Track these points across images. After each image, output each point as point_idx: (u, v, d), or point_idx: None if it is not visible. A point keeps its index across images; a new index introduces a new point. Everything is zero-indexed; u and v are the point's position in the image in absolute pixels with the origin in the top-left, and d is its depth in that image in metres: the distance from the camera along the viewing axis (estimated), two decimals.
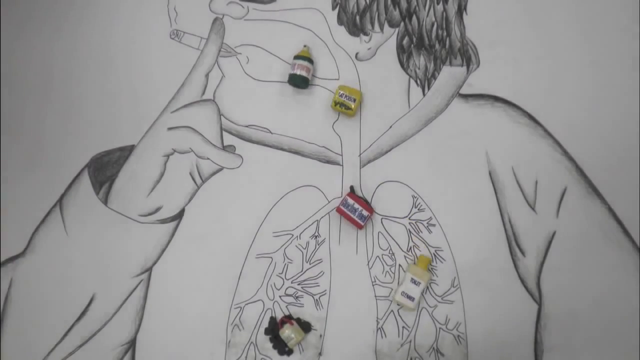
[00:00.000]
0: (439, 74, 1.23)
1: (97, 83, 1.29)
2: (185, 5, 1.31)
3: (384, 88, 1.23)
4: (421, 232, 1.15)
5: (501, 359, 1.09)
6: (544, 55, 1.22)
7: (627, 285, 1.09)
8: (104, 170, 1.22)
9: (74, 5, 1.34)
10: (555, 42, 1.22)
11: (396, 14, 1.25)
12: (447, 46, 1.23)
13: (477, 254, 1.13)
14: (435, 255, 1.13)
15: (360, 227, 1.11)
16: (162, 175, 1.21)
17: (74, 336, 1.13)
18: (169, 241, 1.18)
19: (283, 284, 1.14)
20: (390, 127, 1.21)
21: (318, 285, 1.14)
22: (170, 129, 1.23)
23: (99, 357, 1.12)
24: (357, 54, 1.25)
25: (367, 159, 1.19)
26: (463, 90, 1.22)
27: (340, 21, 1.27)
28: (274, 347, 1.10)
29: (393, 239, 1.15)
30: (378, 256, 1.14)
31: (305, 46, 1.23)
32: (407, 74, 1.23)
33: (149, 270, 1.16)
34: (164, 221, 1.18)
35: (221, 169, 1.21)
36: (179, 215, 1.19)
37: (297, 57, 1.20)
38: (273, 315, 1.13)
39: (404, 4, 1.25)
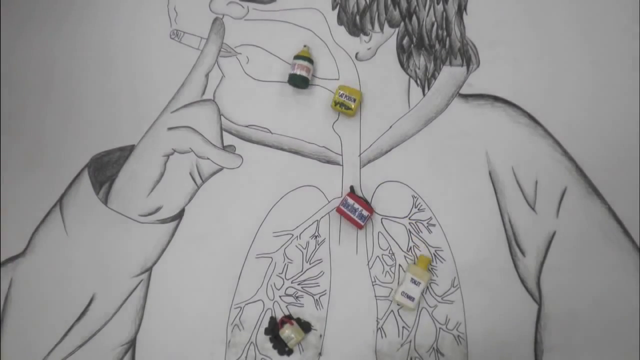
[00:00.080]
0: (439, 74, 1.23)
1: (97, 83, 1.29)
2: (185, 5, 1.31)
3: (384, 88, 1.23)
4: (421, 232, 1.15)
5: (501, 359, 1.09)
6: (544, 55, 1.22)
7: (627, 285, 1.09)
8: (104, 170, 1.22)
9: (74, 5, 1.34)
10: (555, 42, 1.22)
11: (396, 14, 1.25)
12: (447, 46, 1.23)
13: (477, 254, 1.13)
14: (435, 255, 1.13)
15: (360, 227, 1.11)
16: (162, 175, 1.21)
17: (74, 336, 1.13)
18: (169, 241, 1.18)
19: (283, 284, 1.14)
20: (390, 127, 1.21)
21: (318, 285, 1.14)
22: (170, 129, 1.23)
23: (99, 357, 1.12)
24: (357, 54, 1.25)
25: (367, 159, 1.19)
26: (463, 90, 1.22)
27: (340, 21, 1.27)
28: (274, 347, 1.10)
29: (393, 239, 1.15)
30: (378, 256, 1.14)
31: (305, 46, 1.23)
32: (407, 74, 1.23)
33: (149, 270, 1.16)
34: (164, 221, 1.18)
35: (221, 169, 1.21)
36: (179, 215, 1.19)
37: (297, 57, 1.20)
38: (273, 315, 1.13)
39: (404, 4, 1.25)
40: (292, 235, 1.16)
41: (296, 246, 1.15)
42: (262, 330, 1.12)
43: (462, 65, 1.23)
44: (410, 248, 1.14)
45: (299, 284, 1.14)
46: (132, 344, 1.13)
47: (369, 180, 1.18)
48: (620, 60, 1.20)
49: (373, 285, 1.13)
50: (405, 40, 1.24)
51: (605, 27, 1.22)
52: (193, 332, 1.13)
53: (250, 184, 1.20)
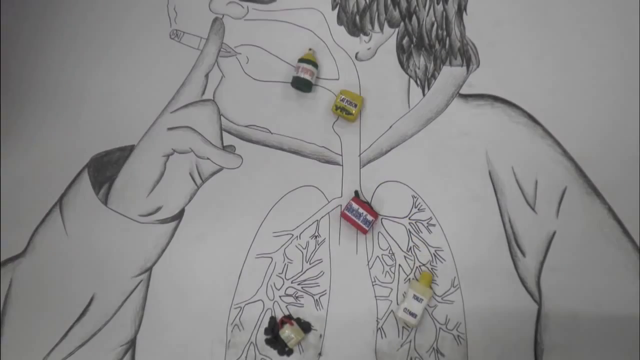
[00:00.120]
0: (438, 74, 1.23)
1: (97, 83, 1.29)
2: (185, 5, 1.31)
3: (384, 88, 1.23)
4: (421, 232, 1.15)
5: (501, 359, 1.09)
6: (544, 55, 1.22)
7: (627, 285, 1.09)
8: (104, 170, 1.22)
9: (74, 5, 1.34)
10: (555, 42, 1.22)
11: (396, 14, 1.25)
12: (447, 46, 1.23)
13: (477, 254, 1.13)
14: (435, 255, 1.13)
15: (365, 232, 1.11)
16: (162, 175, 1.21)
17: (74, 336, 1.13)
18: (169, 241, 1.18)
19: (283, 284, 1.14)
20: (390, 127, 1.21)
21: (318, 285, 1.14)
22: (170, 129, 1.23)
23: (99, 357, 1.12)
24: (357, 54, 1.25)
25: (367, 159, 1.19)
26: (463, 90, 1.22)
27: (340, 21, 1.27)
28: (274, 347, 1.10)
29: (393, 239, 1.15)
30: (378, 256, 1.14)
31: (310, 49, 1.23)
32: (407, 74, 1.23)
33: (148, 270, 1.16)
34: (164, 221, 1.18)
35: (221, 169, 1.21)
36: (179, 215, 1.19)
37: (301, 60, 1.20)
38: (273, 315, 1.13)
39: (403, 4, 1.25)
40: (292, 235, 1.16)
41: (296, 246, 1.15)
42: (262, 330, 1.12)
43: (462, 65, 1.23)
44: (410, 248, 1.14)
45: (299, 284, 1.14)
46: (132, 344, 1.13)
47: (369, 180, 1.18)
48: (620, 60, 1.20)
49: (373, 285, 1.13)
50: (405, 40, 1.24)
51: (605, 27, 1.22)
52: (193, 332, 1.13)
53: (250, 184, 1.20)
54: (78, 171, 1.23)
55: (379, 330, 1.11)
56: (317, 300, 1.13)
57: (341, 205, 1.17)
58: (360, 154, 1.19)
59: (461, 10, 1.25)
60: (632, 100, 1.18)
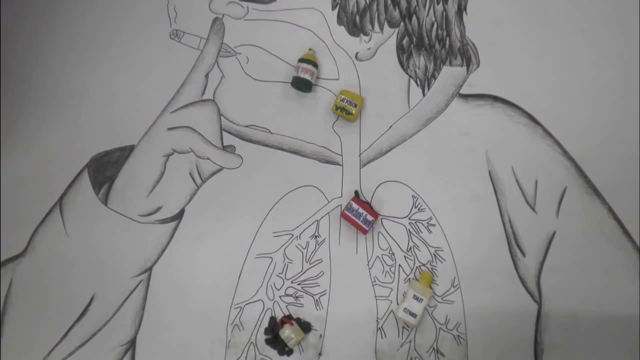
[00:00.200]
0: (438, 74, 1.23)
1: (97, 83, 1.29)
2: (185, 5, 1.31)
3: (384, 88, 1.23)
4: (421, 232, 1.15)
5: (501, 359, 1.09)
6: (544, 55, 1.22)
7: (627, 285, 1.09)
8: (104, 170, 1.22)
9: (74, 5, 1.34)
10: (555, 42, 1.22)
11: (396, 14, 1.25)
12: (447, 46, 1.23)
13: (477, 254, 1.13)
14: (435, 255, 1.13)
15: (365, 232, 1.11)
16: (162, 175, 1.21)
17: (74, 336, 1.13)
18: (169, 241, 1.18)
19: (283, 284, 1.14)
20: (390, 127, 1.21)
21: (318, 285, 1.14)
22: (170, 129, 1.23)
23: (99, 357, 1.12)
24: (357, 54, 1.25)
25: (367, 159, 1.19)
26: (463, 90, 1.22)
27: (340, 21, 1.27)
28: (274, 347, 1.10)
29: (393, 239, 1.15)
30: (378, 256, 1.14)
31: (310, 49, 1.23)
32: (407, 74, 1.23)
33: (148, 270, 1.16)
34: (164, 221, 1.18)
35: (221, 169, 1.21)
36: (179, 215, 1.19)
37: (301, 60, 1.19)
38: (273, 315, 1.13)
39: (403, 4, 1.25)
40: (292, 235, 1.16)
41: (296, 246, 1.15)
42: (262, 330, 1.12)
43: (462, 65, 1.23)
44: (410, 248, 1.14)
45: (299, 284, 1.14)
46: (132, 344, 1.13)
47: (369, 180, 1.18)
48: (620, 60, 1.20)
49: (373, 285, 1.13)
50: (405, 40, 1.24)
51: (605, 27, 1.22)
52: (193, 332, 1.13)
53: (250, 184, 1.20)
54: (78, 171, 1.23)
55: (379, 330, 1.11)
56: (317, 300, 1.13)
57: (341, 205, 1.17)
58: (360, 154, 1.19)
59: (461, 10, 1.25)
60: (632, 100, 1.18)
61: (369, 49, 1.25)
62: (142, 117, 1.25)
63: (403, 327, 1.10)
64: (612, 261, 1.10)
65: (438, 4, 1.25)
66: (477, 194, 1.16)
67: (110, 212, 1.19)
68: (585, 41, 1.22)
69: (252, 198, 1.19)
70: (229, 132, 1.23)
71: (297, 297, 1.13)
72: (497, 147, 1.17)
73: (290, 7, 1.28)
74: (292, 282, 1.14)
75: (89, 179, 1.21)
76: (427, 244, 1.14)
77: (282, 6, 1.28)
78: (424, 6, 1.25)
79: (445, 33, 1.24)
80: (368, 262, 1.14)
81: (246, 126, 1.23)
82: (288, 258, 1.15)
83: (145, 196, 1.19)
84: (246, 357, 1.11)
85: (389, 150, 1.20)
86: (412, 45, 1.24)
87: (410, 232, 1.15)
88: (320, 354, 1.11)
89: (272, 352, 1.11)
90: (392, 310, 1.11)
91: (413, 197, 1.16)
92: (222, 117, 1.23)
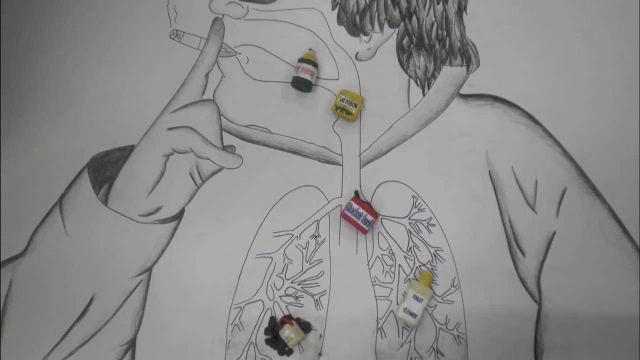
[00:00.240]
0: (438, 74, 1.23)
1: (97, 83, 1.29)
2: (185, 5, 1.31)
3: (384, 88, 1.23)
4: (421, 232, 1.15)
5: (501, 359, 1.09)
6: (544, 55, 1.22)
7: (627, 285, 1.09)
8: (104, 170, 1.22)
9: (74, 5, 1.34)
10: (555, 42, 1.22)
11: (396, 14, 1.25)
12: (447, 46, 1.23)
13: (477, 254, 1.13)
14: (435, 255, 1.13)
15: (365, 232, 1.11)
16: (162, 175, 1.21)
17: (74, 336, 1.13)
18: (169, 241, 1.18)
19: (283, 284, 1.14)
20: (390, 127, 1.21)
21: (318, 285, 1.14)
22: (170, 129, 1.23)
23: (99, 357, 1.12)
24: (357, 54, 1.25)
25: (367, 159, 1.19)
26: (463, 90, 1.22)
27: (340, 21, 1.27)
28: (274, 347, 1.10)
29: (393, 239, 1.15)
30: (378, 256, 1.14)
31: (310, 49, 1.23)
32: (407, 74, 1.23)
33: (149, 270, 1.16)
34: (164, 221, 1.18)
35: (221, 169, 1.21)
36: (179, 215, 1.19)
37: (301, 60, 1.19)
38: (273, 315, 1.13)
39: (403, 4, 1.25)
40: (292, 235, 1.16)
41: (296, 246, 1.15)
42: (262, 330, 1.12)
43: (462, 65, 1.23)
44: (410, 248, 1.14)
45: (299, 284, 1.14)
46: (132, 344, 1.13)
47: (369, 180, 1.18)
48: (620, 60, 1.20)
49: (373, 285, 1.13)
50: (405, 40, 1.24)
51: (605, 27, 1.22)
52: (193, 332, 1.13)
53: (250, 184, 1.20)
54: (78, 171, 1.23)
55: (379, 330, 1.11)
56: (317, 300, 1.13)
57: (341, 205, 1.17)
58: (360, 154, 1.19)
59: (461, 10, 1.25)
60: (632, 100, 1.18)
61: (369, 49, 1.25)
62: (142, 117, 1.25)
63: (403, 327, 1.10)
64: (612, 261, 1.10)
65: (438, 4, 1.25)
66: (477, 194, 1.16)
67: (110, 212, 1.19)
68: (585, 41, 1.22)
69: (252, 198, 1.19)
70: (229, 132, 1.23)
71: (297, 297, 1.13)
72: (497, 147, 1.17)
73: (290, 7, 1.28)
74: (292, 282, 1.14)
75: (89, 179, 1.21)
76: (427, 244, 1.14)
77: (282, 6, 1.28)
78: (424, 6, 1.25)
79: (445, 33, 1.24)
80: (368, 262, 1.14)
81: (246, 126, 1.23)
82: (288, 258, 1.15)
83: (145, 196, 1.19)
84: (246, 357, 1.11)
85: (389, 150, 1.20)
86: (412, 45, 1.24)
87: (410, 232, 1.15)
88: (320, 354, 1.11)
89: (272, 352, 1.11)
90: (392, 310, 1.11)
91: (413, 197, 1.16)
92: (222, 117, 1.23)
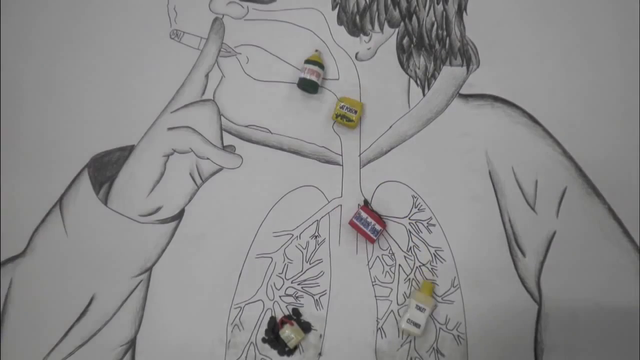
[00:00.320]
0: (438, 74, 1.23)
1: (97, 83, 1.29)
2: (185, 5, 1.31)
3: (384, 88, 1.23)
4: (421, 232, 1.15)
5: (501, 359, 1.09)
6: (544, 55, 1.22)
7: (627, 285, 1.09)
8: (104, 170, 1.22)
9: (74, 5, 1.34)
10: (555, 42, 1.22)
11: (396, 14, 1.25)
12: (447, 46, 1.23)
13: (477, 254, 1.13)
14: (435, 255, 1.13)
15: (372, 241, 1.11)
16: (162, 175, 1.21)
17: (74, 336, 1.13)
18: (169, 241, 1.18)
19: (283, 284, 1.14)
20: (390, 127, 1.21)
21: (318, 285, 1.14)
22: (170, 129, 1.23)
23: (99, 357, 1.12)
24: (356, 54, 1.25)
25: (367, 159, 1.19)
26: (463, 90, 1.22)
27: (340, 21, 1.27)
28: (274, 347, 1.10)
29: (393, 239, 1.15)
30: (378, 256, 1.14)
31: (316, 51, 1.23)
32: (407, 74, 1.23)
33: (149, 270, 1.16)
34: (164, 221, 1.18)
35: (221, 169, 1.21)
36: (179, 215, 1.19)
37: (307, 62, 1.19)
38: (273, 315, 1.13)
39: (403, 4, 1.25)
40: (292, 235, 1.16)
41: (296, 246, 1.15)
42: (262, 330, 1.12)
43: (462, 65, 1.23)
44: (410, 248, 1.14)
45: (299, 284, 1.14)
46: (132, 344, 1.13)
47: (369, 180, 1.18)
48: (620, 60, 1.20)
49: (373, 285, 1.13)
50: (405, 40, 1.24)
51: (605, 27, 1.22)
52: (193, 332, 1.13)
53: (250, 184, 1.20)
54: (78, 171, 1.23)
55: (379, 330, 1.11)
56: (317, 300, 1.13)
57: (341, 205, 1.17)
58: (360, 154, 1.19)
59: (461, 10, 1.25)
60: (632, 100, 1.18)
61: (369, 49, 1.25)
62: (142, 117, 1.25)
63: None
64: (612, 261, 1.10)
65: (438, 4, 1.25)
66: (477, 194, 1.16)
67: (110, 212, 1.19)
68: (585, 41, 1.22)
69: (252, 198, 1.19)
70: (229, 132, 1.23)
71: (297, 297, 1.13)
72: (497, 147, 1.17)
73: (290, 7, 1.28)
74: (292, 282, 1.14)
75: (89, 179, 1.21)
76: (427, 244, 1.14)
77: (282, 6, 1.28)
78: (424, 6, 1.25)
79: (445, 33, 1.24)
80: (368, 262, 1.14)
81: (246, 126, 1.23)
82: (288, 258, 1.15)
83: (145, 196, 1.19)
84: (246, 357, 1.11)
85: (389, 150, 1.20)
86: (412, 45, 1.24)
87: (410, 232, 1.15)
88: (320, 354, 1.11)
89: (272, 352, 1.11)
90: (392, 311, 1.11)
91: (413, 197, 1.16)
92: (222, 117, 1.23)
